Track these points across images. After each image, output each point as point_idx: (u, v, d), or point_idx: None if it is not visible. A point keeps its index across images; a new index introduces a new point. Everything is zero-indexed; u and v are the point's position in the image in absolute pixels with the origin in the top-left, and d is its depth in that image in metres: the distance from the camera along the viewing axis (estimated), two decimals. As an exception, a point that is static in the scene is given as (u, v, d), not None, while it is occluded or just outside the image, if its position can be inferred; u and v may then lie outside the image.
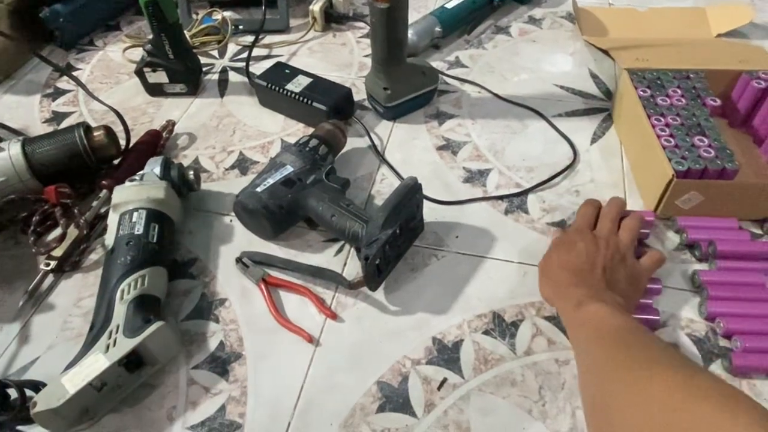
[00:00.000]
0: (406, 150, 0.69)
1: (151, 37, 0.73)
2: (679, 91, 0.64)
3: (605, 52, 0.79)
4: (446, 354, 0.50)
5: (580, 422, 0.45)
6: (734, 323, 0.49)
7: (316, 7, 0.87)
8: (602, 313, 0.43)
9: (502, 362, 0.49)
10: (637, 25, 0.85)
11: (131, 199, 0.56)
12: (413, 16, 0.84)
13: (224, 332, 0.52)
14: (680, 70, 0.68)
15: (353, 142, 0.70)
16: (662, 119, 0.61)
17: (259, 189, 0.56)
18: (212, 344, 0.51)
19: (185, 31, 0.86)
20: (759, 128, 0.66)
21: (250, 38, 0.84)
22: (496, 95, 0.76)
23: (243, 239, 0.60)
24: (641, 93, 0.64)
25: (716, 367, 0.48)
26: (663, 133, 0.59)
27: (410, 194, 0.53)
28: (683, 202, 0.57)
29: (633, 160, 0.65)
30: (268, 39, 0.89)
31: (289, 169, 0.58)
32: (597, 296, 0.45)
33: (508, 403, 0.46)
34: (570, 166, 0.66)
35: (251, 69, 0.79)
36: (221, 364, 0.50)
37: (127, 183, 0.58)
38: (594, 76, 0.78)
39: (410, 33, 0.80)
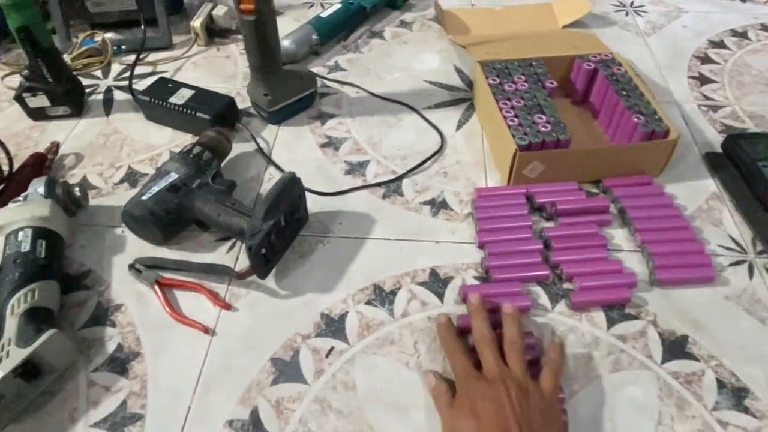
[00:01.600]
0: (292, 150, 0.74)
1: (28, 62, 0.74)
2: (523, 77, 0.74)
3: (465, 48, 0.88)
4: (333, 326, 0.55)
5: (449, 368, 0.52)
6: (573, 268, 0.58)
7: (196, 23, 0.90)
8: None
9: (383, 326, 0.55)
10: (495, 23, 0.95)
11: (15, 219, 0.57)
12: (293, 26, 0.90)
13: (122, 335, 0.55)
14: (524, 59, 0.77)
15: (241, 147, 0.74)
16: (508, 102, 0.70)
17: (145, 197, 0.59)
18: (110, 347, 0.54)
19: (65, 54, 0.86)
20: (595, 103, 0.77)
21: (133, 57, 0.86)
22: (372, 94, 0.83)
23: (135, 247, 0.62)
24: (491, 81, 0.73)
25: (561, 307, 0.56)
26: (509, 114, 0.68)
27: (289, 187, 0.58)
28: (529, 171, 0.66)
29: (489, 140, 0.74)
30: (152, 57, 0.91)
31: (173, 176, 0.61)
32: None
33: (388, 359, 0.53)
34: (438, 151, 0.73)
35: (137, 87, 0.81)
36: (120, 363, 0.53)
37: (10, 204, 0.59)
38: (458, 71, 0.87)
39: (288, 42, 0.86)
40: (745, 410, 0.49)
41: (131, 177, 0.71)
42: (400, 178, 0.70)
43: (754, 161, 0.66)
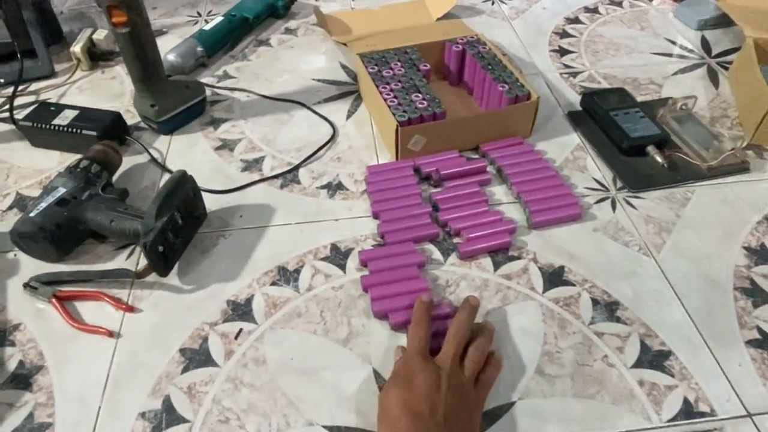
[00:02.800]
0: (187, 156, 0.75)
1: None
2: (399, 63, 0.79)
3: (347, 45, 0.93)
4: (240, 310, 0.57)
5: (354, 328, 0.55)
6: (459, 223, 0.63)
7: (77, 48, 0.90)
8: None
9: (289, 302, 0.57)
10: (374, 21, 1.01)
11: None
12: (177, 42, 0.91)
13: (22, 352, 0.54)
14: (400, 48, 0.83)
15: (134, 160, 0.75)
16: (387, 86, 0.75)
17: (32, 214, 0.59)
18: (11, 365, 0.53)
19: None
20: (468, 81, 0.83)
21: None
22: (263, 96, 0.86)
23: (31, 268, 0.61)
24: (370, 70, 0.78)
25: (452, 259, 0.61)
26: (389, 96, 0.73)
27: (179, 183, 0.60)
28: (413, 144, 0.71)
29: (376, 124, 0.79)
30: (34, 86, 0.89)
31: (61, 190, 0.61)
32: None
33: (296, 331, 0.55)
34: (331, 140, 0.77)
35: (19, 116, 0.79)
36: (23, 379, 0.52)
37: None
38: (344, 67, 0.92)
39: (173, 56, 0.87)
40: (617, 320, 0.55)
41: (20, 202, 0.69)
42: (296, 168, 0.73)
43: (607, 112, 0.75)
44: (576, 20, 1.02)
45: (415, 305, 0.53)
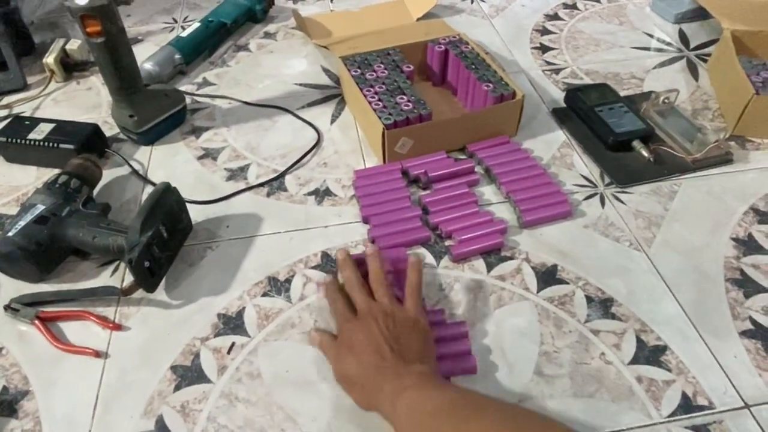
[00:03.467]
0: (168, 167, 0.74)
1: None
2: (382, 65, 0.79)
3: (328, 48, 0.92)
4: (231, 323, 0.56)
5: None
6: (450, 225, 0.62)
7: (50, 60, 0.87)
8: (414, 403, 0.41)
9: (282, 313, 0.56)
10: (354, 23, 1.00)
11: None
12: (154, 50, 0.89)
13: (6, 377, 0.52)
14: (382, 49, 0.82)
15: (115, 173, 0.73)
16: (372, 89, 0.74)
17: (10, 233, 0.57)
18: (-6, 393, 0.51)
19: None
20: (452, 81, 0.83)
21: (-16, 102, 0.82)
22: (245, 102, 0.84)
23: (11, 289, 0.59)
24: (353, 73, 0.77)
25: (445, 261, 0.60)
26: (373, 99, 0.72)
27: (163, 197, 0.58)
28: (400, 147, 0.70)
29: (362, 127, 0.78)
30: (6, 100, 0.86)
31: (40, 207, 0.59)
32: (401, 383, 0.43)
33: (290, 342, 0.54)
34: (316, 145, 0.76)
35: (-9, 131, 0.77)
36: (8, 406, 0.50)
37: None
38: (326, 71, 0.91)
39: (150, 64, 0.85)
40: (612, 317, 0.55)
41: (-4, 221, 0.67)
42: (282, 175, 0.72)
43: (591, 107, 0.75)
44: (555, 17, 1.02)
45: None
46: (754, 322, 0.54)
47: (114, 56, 0.67)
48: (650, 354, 0.52)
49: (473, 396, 0.43)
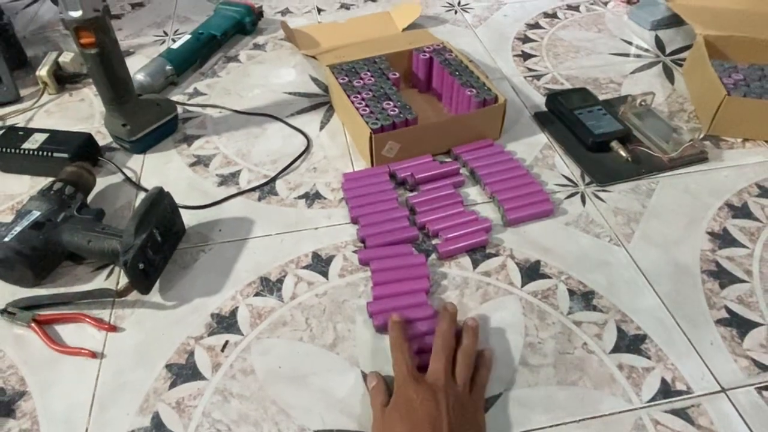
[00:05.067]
0: (161, 174, 0.75)
1: None
2: (368, 73, 0.81)
3: (316, 58, 0.94)
4: (224, 323, 0.57)
5: (340, 333, 0.55)
6: (436, 225, 0.64)
7: (43, 72, 0.89)
8: None
9: (274, 311, 0.58)
10: (341, 34, 1.03)
11: None
12: (145, 62, 0.91)
13: (3, 379, 0.53)
14: (369, 58, 0.85)
15: (108, 180, 0.74)
16: (359, 95, 0.76)
17: (7, 238, 0.58)
18: (-9, 394, 0.52)
19: None
20: (437, 88, 0.85)
21: (-23, 114, 0.83)
22: (235, 111, 0.86)
23: (6, 294, 0.60)
24: (341, 81, 0.80)
25: (432, 260, 0.62)
26: (360, 105, 0.75)
27: (156, 200, 0.60)
28: (387, 151, 0.72)
29: (350, 132, 0.80)
30: (0, 112, 0.88)
31: (35, 214, 0.60)
32: None
33: (282, 340, 0.55)
34: (305, 151, 0.78)
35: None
36: (5, 406, 0.51)
37: None
38: (314, 79, 0.93)
39: (142, 75, 0.87)
40: (594, 308, 0.57)
41: (-9, 229, 0.68)
42: (273, 180, 0.74)
43: (571, 111, 0.78)
44: (536, 25, 1.06)
45: (389, 327, 0.52)
46: (729, 311, 0.56)
47: (107, 67, 0.69)
48: (630, 343, 0.54)
49: None
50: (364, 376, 0.52)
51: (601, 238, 0.64)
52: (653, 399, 0.49)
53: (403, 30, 1.03)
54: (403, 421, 0.44)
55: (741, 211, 0.66)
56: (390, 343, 0.51)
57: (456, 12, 1.11)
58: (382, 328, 0.55)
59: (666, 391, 0.50)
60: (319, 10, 1.15)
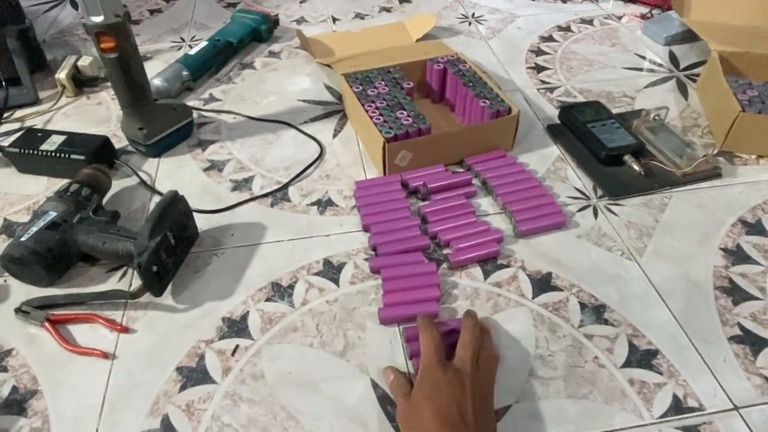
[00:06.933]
0: (176, 178, 0.76)
1: None
2: (383, 82, 0.82)
3: (331, 67, 0.95)
4: (235, 327, 0.57)
5: (350, 340, 0.56)
6: (448, 234, 0.65)
7: (62, 75, 0.90)
8: None
9: (284, 317, 0.58)
10: (356, 43, 1.04)
11: None
12: (162, 67, 0.92)
13: (15, 377, 0.53)
14: (383, 67, 0.85)
15: (123, 183, 0.75)
16: (373, 104, 0.77)
17: (23, 238, 0.59)
18: (4, 391, 0.52)
19: None
20: (450, 99, 0.86)
21: (-4, 115, 0.84)
22: (250, 117, 0.87)
23: (21, 293, 0.61)
24: (355, 89, 0.80)
25: (443, 269, 0.62)
26: (374, 114, 0.75)
27: (171, 204, 0.60)
28: (400, 160, 0.72)
29: (363, 141, 0.81)
30: (19, 113, 0.89)
31: (52, 214, 0.61)
32: None
33: (293, 345, 0.55)
34: (318, 158, 0.79)
35: (5, 143, 0.79)
36: (17, 404, 0.51)
37: None
38: (329, 88, 0.94)
39: (159, 80, 0.88)
40: (605, 322, 0.57)
41: (9, 228, 0.69)
42: (286, 186, 0.74)
43: (584, 124, 0.78)
44: (550, 38, 1.06)
45: (417, 320, 0.53)
46: (742, 327, 0.56)
47: (126, 71, 0.70)
48: (642, 358, 0.53)
49: None
50: (374, 384, 0.52)
51: (613, 251, 0.64)
52: (665, 415, 0.49)
53: (417, 41, 1.04)
54: (430, 401, 0.45)
55: (755, 228, 0.66)
56: (419, 329, 0.52)
57: (470, 23, 1.12)
58: (386, 321, 0.56)
59: (678, 407, 0.50)
60: (334, 20, 1.16)
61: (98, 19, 0.65)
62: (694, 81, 0.92)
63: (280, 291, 0.61)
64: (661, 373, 0.52)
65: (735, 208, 0.69)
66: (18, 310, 0.58)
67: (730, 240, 0.65)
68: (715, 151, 0.76)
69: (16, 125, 0.87)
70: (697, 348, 0.54)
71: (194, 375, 0.53)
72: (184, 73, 0.91)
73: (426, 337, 0.50)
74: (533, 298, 0.59)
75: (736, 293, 0.59)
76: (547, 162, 0.76)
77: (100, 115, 0.89)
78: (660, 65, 0.97)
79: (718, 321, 0.56)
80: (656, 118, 0.79)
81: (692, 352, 0.54)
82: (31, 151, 0.74)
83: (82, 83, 0.94)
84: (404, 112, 0.75)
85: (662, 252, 0.63)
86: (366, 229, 0.67)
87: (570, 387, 0.51)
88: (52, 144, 0.74)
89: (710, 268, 0.62)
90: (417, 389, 0.47)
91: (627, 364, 0.53)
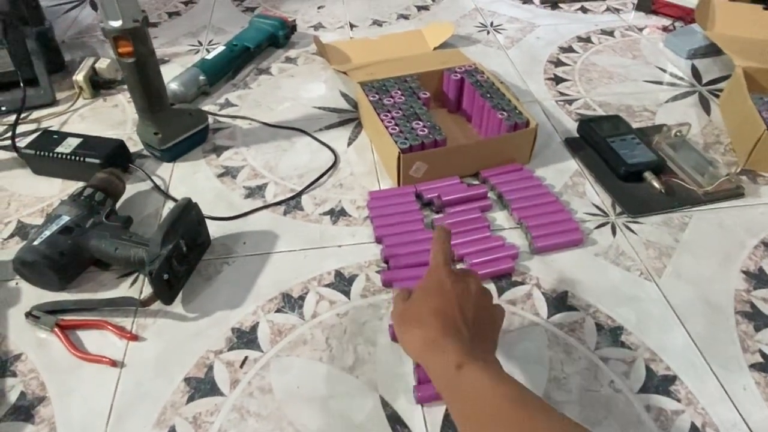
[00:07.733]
0: (189, 183, 0.76)
1: None
2: (399, 92, 0.81)
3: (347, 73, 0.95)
4: (245, 338, 0.57)
5: (360, 355, 0.55)
6: (462, 249, 0.63)
7: (79, 77, 0.91)
8: (483, 382, 0.39)
9: (294, 329, 0.57)
10: (373, 51, 1.03)
11: None
12: (179, 70, 0.93)
13: (24, 383, 0.53)
14: (400, 76, 0.85)
15: (137, 187, 0.75)
16: (389, 114, 0.76)
17: (36, 242, 0.59)
18: (12, 397, 0.52)
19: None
20: (467, 109, 0.85)
21: (14, 117, 0.85)
22: (264, 123, 0.87)
23: (33, 297, 0.61)
24: (371, 98, 0.80)
25: (457, 285, 0.61)
26: (390, 124, 0.74)
27: (185, 211, 0.60)
28: (414, 171, 0.72)
29: (378, 150, 0.80)
30: (36, 114, 0.90)
31: (65, 218, 0.61)
32: (472, 354, 0.41)
33: (301, 359, 0.55)
34: (333, 167, 0.78)
35: (21, 144, 0.80)
36: (24, 411, 0.51)
37: None
38: (344, 95, 0.93)
39: (176, 84, 0.88)
40: (622, 345, 0.55)
41: (22, 230, 0.69)
42: (299, 194, 0.74)
43: (604, 138, 0.76)
44: (570, 49, 1.05)
45: (434, 230, 0.53)
46: (764, 355, 0.54)
47: (143, 76, 0.70)
48: (659, 383, 0.52)
49: (539, 398, 0.40)
50: (384, 402, 0.51)
51: (632, 271, 0.62)
52: (682, 445, 0.48)
53: (435, 49, 1.03)
54: (433, 296, 0.45)
55: (778, 251, 0.64)
56: (433, 239, 0.51)
57: (488, 32, 1.11)
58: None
59: (696, 437, 0.48)
60: (352, 26, 1.15)
61: (117, 23, 0.65)
62: (717, 96, 0.90)
63: (291, 302, 0.60)
64: (679, 400, 0.50)
65: (757, 229, 0.67)
66: (28, 315, 0.58)
67: (752, 263, 0.63)
68: (738, 170, 0.75)
69: (33, 126, 0.87)
70: (717, 375, 0.52)
71: (202, 386, 0.52)
72: (201, 77, 0.91)
73: (437, 248, 0.50)
74: (548, 318, 0.58)
75: (758, 318, 0.57)
76: (565, 176, 0.75)
77: (116, 118, 0.89)
78: (681, 79, 0.95)
79: (739, 347, 0.55)
80: (678, 134, 0.77)
81: (711, 379, 0.52)
82: (46, 153, 0.74)
83: (99, 85, 0.94)
84: (420, 122, 0.74)
85: (682, 273, 0.62)
86: (378, 240, 0.66)
87: (585, 411, 0.50)
88: (67, 147, 0.74)
89: (731, 291, 0.60)
90: (420, 289, 0.48)
91: (644, 389, 0.51)
